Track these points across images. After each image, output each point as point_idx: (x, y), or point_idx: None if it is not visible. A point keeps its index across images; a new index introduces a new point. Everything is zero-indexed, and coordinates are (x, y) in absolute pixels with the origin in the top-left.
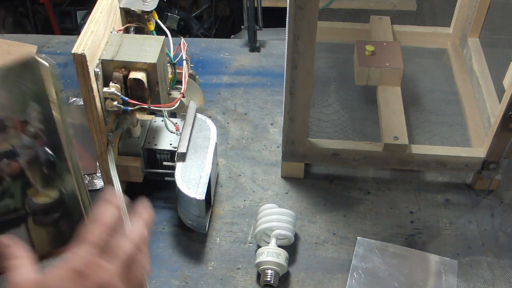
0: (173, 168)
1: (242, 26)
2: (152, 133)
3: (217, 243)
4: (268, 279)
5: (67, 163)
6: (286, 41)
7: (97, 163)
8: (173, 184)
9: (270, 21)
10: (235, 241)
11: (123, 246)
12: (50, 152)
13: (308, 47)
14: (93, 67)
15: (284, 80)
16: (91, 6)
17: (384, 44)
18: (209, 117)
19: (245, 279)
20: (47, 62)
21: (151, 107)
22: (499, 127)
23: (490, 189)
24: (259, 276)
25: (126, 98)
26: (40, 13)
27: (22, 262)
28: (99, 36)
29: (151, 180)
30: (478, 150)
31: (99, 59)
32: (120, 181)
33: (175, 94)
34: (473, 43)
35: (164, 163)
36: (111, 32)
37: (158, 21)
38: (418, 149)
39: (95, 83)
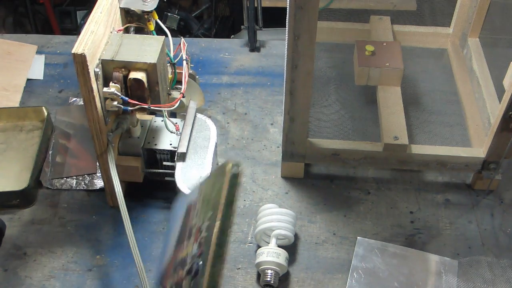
0: (173, 168)
1: (242, 26)
2: (152, 133)
3: None
4: (268, 279)
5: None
6: (286, 41)
7: (97, 163)
8: (173, 184)
9: (270, 21)
10: (235, 241)
11: None
12: (200, 263)
13: (308, 47)
14: (93, 67)
15: (284, 80)
16: (91, 6)
17: (384, 44)
18: (209, 117)
19: (245, 279)
20: (235, 171)
21: (151, 107)
22: (499, 127)
23: (490, 189)
24: (259, 276)
25: (126, 98)
26: (40, 13)
27: None
28: (99, 36)
29: (151, 180)
30: (478, 150)
31: (99, 59)
32: (120, 181)
33: (175, 94)
34: (473, 43)
35: (164, 163)
36: (111, 32)
37: (158, 21)
38: (418, 149)
39: (95, 83)
